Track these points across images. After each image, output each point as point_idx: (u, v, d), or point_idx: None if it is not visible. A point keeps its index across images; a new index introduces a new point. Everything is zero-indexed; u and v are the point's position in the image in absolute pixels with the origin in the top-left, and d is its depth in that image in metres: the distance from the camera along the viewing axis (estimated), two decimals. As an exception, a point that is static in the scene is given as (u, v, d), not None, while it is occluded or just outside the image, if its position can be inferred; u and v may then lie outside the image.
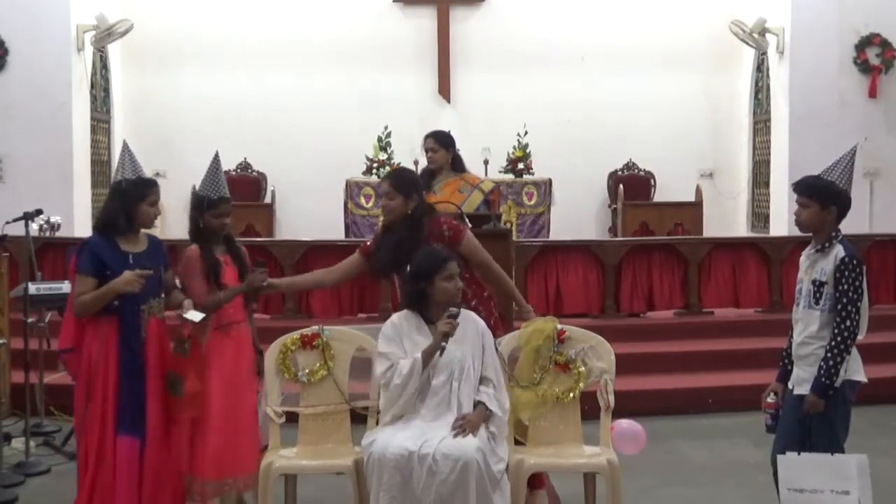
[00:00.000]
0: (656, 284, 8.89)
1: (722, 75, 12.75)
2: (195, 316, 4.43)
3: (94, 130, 11.68)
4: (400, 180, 4.99)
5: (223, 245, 4.85)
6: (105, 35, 11.27)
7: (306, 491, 5.11)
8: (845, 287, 4.02)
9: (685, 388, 7.70)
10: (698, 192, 11.79)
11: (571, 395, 4.73)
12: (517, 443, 4.70)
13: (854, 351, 4.09)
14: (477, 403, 4.35)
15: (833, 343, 4.02)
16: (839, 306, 4.03)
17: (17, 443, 6.23)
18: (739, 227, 12.57)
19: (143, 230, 4.52)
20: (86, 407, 4.30)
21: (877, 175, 11.31)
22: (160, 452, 4.39)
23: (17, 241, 6.11)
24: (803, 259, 4.27)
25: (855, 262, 4.05)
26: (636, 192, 12.29)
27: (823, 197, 4.12)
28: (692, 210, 11.50)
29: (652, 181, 12.72)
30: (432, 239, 4.74)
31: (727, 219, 12.57)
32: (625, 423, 4.77)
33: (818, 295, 4.10)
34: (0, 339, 6.05)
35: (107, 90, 12.17)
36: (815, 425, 4.07)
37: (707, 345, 8.32)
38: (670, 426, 7.01)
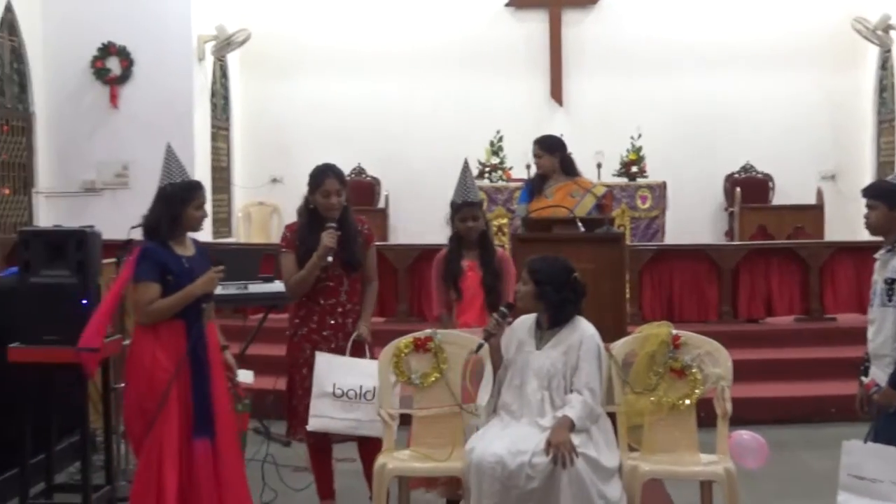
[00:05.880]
0: (775, 289, 8.69)
1: (843, 73, 12.35)
2: (247, 377, 4.54)
3: (214, 137, 12.02)
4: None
5: (476, 249, 5.15)
6: (224, 45, 11.59)
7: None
8: None
9: (806, 396, 7.50)
10: (819, 194, 11.46)
11: (687, 401, 4.64)
12: (631, 449, 4.65)
13: None
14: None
15: None
16: None
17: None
18: (864, 231, 12.12)
19: (188, 234, 4.53)
20: (156, 413, 4.26)
21: None
22: (232, 449, 4.44)
23: (141, 245, 6.29)
24: (877, 261, 4.32)
25: None
26: (754, 194, 12.03)
27: (890, 198, 4.26)
28: (813, 213, 11.20)
29: (770, 183, 12.42)
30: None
31: (851, 222, 12.09)
32: (746, 436, 4.66)
33: (890, 293, 4.15)
34: (126, 339, 6.25)
35: (226, 98, 12.51)
36: (887, 420, 4.10)
37: (830, 352, 8.05)
38: (791, 435, 6.84)
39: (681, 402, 4.63)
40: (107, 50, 11.16)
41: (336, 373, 4.85)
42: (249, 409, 4.78)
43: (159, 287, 4.33)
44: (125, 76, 11.20)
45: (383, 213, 12.22)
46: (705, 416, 4.76)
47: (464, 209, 5.19)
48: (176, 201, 4.42)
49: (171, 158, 4.55)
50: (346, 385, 4.83)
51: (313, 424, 4.83)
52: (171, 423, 4.27)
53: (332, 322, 5.00)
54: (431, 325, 5.06)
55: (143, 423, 4.29)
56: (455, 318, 5.17)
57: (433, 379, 4.76)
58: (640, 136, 10.95)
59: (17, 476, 5.11)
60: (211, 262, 4.57)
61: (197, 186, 4.53)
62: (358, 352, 5.02)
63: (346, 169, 11.97)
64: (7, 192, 10.46)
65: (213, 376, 4.42)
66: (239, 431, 4.49)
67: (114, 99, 11.19)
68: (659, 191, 10.42)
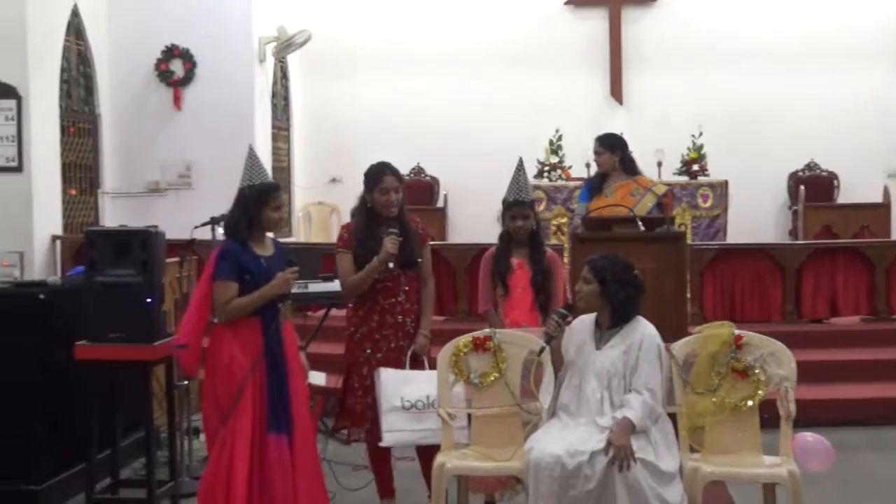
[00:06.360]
0: (840, 289, 8.54)
1: (912, 69, 12.10)
2: (319, 378, 4.58)
3: (275, 138, 12.14)
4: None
5: (526, 248, 5.18)
6: (285, 46, 11.68)
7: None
8: None
9: (872, 397, 7.36)
10: (886, 192, 11.23)
11: (750, 402, 4.58)
12: (693, 450, 4.60)
13: None
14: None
15: None
16: None
17: (205, 437, 6.52)
18: (932, 229, 11.89)
19: (268, 235, 4.63)
20: (231, 408, 4.35)
21: None
22: (308, 446, 4.52)
23: (204, 244, 6.40)
24: None
25: None
26: (818, 193, 11.83)
27: None
28: (879, 212, 10.98)
29: (835, 182, 12.20)
30: None
31: (919, 221, 11.90)
32: (810, 438, 4.59)
33: None
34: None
35: (286, 99, 12.64)
36: None
37: (896, 353, 7.93)
38: (855, 437, 6.72)
39: (743, 403, 4.57)
40: (170, 52, 11.33)
41: (401, 386, 4.86)
42: (312, 410, 4.83)
43: (237, 285, 4.43)
44: (188, 78, 11.35)
45: (442, 213, 12.24)
46: (769, 417, 4.70)
47: (514, 207, 5.24)
48: (253, 202, 4.52)
49: (252, 160, 4.67)
50: (413, 396, 4.84)
51: (387, 440, 4.82)
52: (244, 418, 4.35)
53: (392, 321, 5.01)
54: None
55: (219, 418, 4.39)
56: (502, 315, 5.18)
57: (492, 378, 4.76)
58: (701, 133, 10.83)
59: (84, 471, 5.22)
60: (286, 261, 4.63)
61: (273, 188, 4.64)
62: (416, 364, 5.05)
63: (405, 168, 12.13)
64: (74, 192, 10.67)
65: (289, 374, 4.50)
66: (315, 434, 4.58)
67: (177, 101, 11.35)
68: (720, 189, 10.29)
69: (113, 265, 5.00)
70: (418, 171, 12.65)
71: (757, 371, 4.59)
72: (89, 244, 5.09)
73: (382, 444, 4.85)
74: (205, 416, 4.57)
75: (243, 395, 4.35)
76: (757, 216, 11.91)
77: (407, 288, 5.05)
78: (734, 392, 4.59)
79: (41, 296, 5.54)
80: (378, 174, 5.01)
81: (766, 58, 12.10)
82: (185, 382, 5.87)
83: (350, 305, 5.15)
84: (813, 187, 11.81)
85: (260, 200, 4.52)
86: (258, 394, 4.40)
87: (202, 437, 6.44)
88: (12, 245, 9.34)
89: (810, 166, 12.29)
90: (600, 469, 4.11)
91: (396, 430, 4.82)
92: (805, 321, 8.52)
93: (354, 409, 5.02)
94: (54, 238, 9.98)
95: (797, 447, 4.56)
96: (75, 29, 10.64)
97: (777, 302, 8.53)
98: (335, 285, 5.97)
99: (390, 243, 4.87)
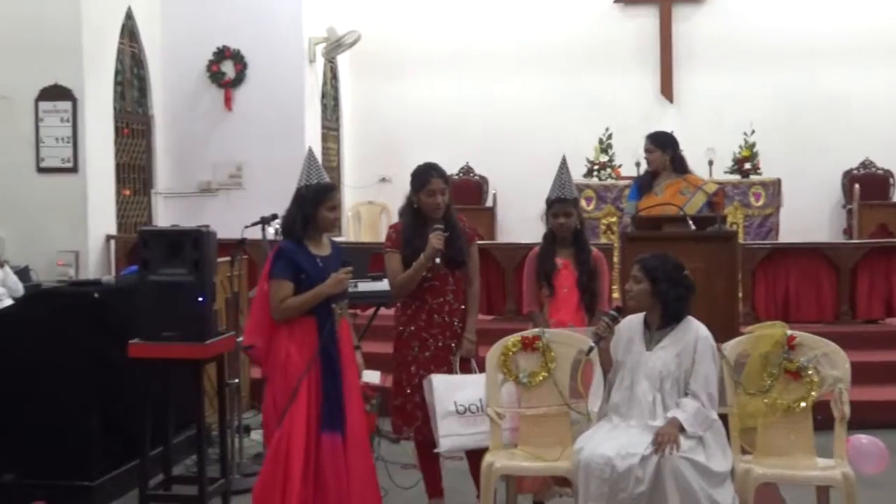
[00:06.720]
0: (896, 289, 8.41)
1: (971, 64, 11.86)
2: (373, 377, 4.59)
3: (324, 138, 12.21)
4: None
5: (571, 248, 5.17)
6: (335, 47, 11.75)
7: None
8: None
9: (929, 399, 7.23)
10: (944, 190, 11.02)
11: (803, 404, 4.53)
12: (744, 452, 4.55)
13: None
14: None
15: None
16: None
17: (256, 434, 6.57)
18: None
19: (325, 234, 4.65)
20: (286, 406, 4.39)
21: None
22: (362, 444, 4.53)
23: (255, 244, 6.47)
24: None
25: None
26: (873, 191, 11.66)
27: None
28: (937, 210, 10.79)
29: (891, 179, 12.01)
30: None
31: (977, 219, 11.66)
32: (865, 440, 4.52)
33: None
34: (241, 336, 6.40)
35: (336, 99, 12.71)
36: None
37: (954, 354, 7.77)
38: (912, 440, 6.60)
39: (796, 404, 4.52)
40: (222, 54, 11.45)
41: (453, 390, 4.85)
42: (377, 409, 4.84)
43: (292, 285, 4.47)
44: (239, 79, 11.46)
45: (491, 213, 12.23)
46: (822, 419, 4.63)
47: (556, 205, 5.23)
48: (309, 202, 4.56)
49: (311, 161, 4.72)
50: (466, 400, 4.83)
51: (444, 445, 4.81)
52: (299, 417, 4.39)
53: (439, 321, 5.02)
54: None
55: (276, 417, 4.44)
56: (548, 316, 5.16)
57: (541, 378, 4.75)
58: (753, 131, 10.71)
59: (137, 468, 5.29)
60: (341, 261, 4.64)
61: (329, 188, 4.67)
62: (465, 368, 5.05)
63: (454, 168, 12.17)
64: (127, 192, 10.83)
65: (344, 373, 4.53)
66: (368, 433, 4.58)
67: (228, 101, 11.47)
68: (773, 188, 10.17)
69: (165, 264, 5.04)
70: (467, 170, 12.65)
71: (810, 372, 4.53)
72: (142, 244, 5.14)
73: (439, 449, 4.84)
74: (264, 414, 4.61)
75: (298, 394, 4.40)
76: (810, 215, 11.76)
77: (454, 287, 5.05)
78: (787, 393, 4.54)
79: (96, 295, 5.63)
80: (424, 176, 5.01)
81: (819, 54, 11.95)
82: (236, 381, 5.91)
83: (398, 304, 5.16)
84: (868, 185, 11.63)
85: (316, 200, 4.56)
86: (313, 393, 4.44)
87: (252, 434, 6.53)
88: (68, 245, 9.54)
89: (865, 164, 12.10)
90: (651, 471, 4.09)
91: (453, 434, 4.80)
92: (860, 321, 8.38)
93: (404, 408, 5.04)
94: (108, 238, 10.14)
95: (851, 449, 4.49)
96: (129, 31, 10.79)
97: (831, 302, 8.41)
98: (384, 284, 5.99)
99: (436, 238, 4.87)
